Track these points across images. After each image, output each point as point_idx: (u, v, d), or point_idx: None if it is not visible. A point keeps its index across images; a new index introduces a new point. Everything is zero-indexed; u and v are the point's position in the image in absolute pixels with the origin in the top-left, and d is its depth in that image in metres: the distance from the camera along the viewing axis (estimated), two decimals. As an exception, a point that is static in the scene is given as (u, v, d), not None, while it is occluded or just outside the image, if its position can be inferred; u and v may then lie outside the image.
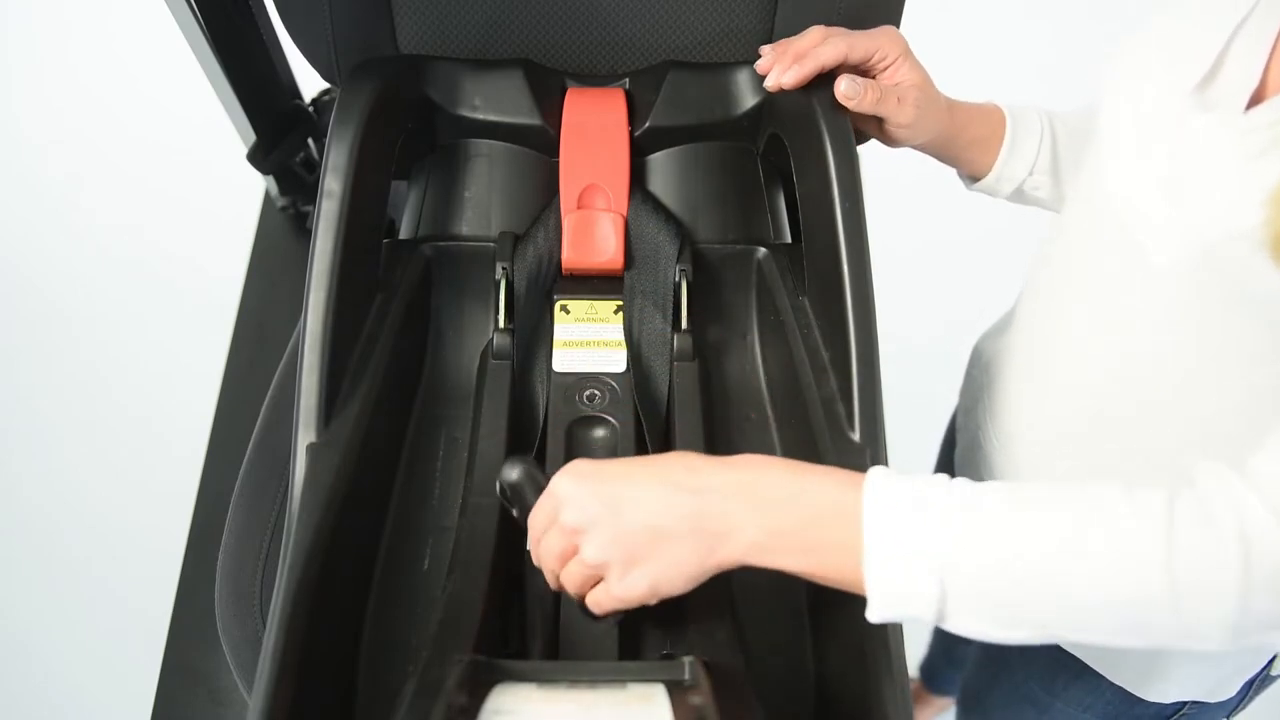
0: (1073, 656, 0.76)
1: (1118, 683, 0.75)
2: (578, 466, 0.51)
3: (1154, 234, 0.55)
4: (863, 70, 0.70)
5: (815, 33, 0.69)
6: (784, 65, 0.69)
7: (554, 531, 0.51)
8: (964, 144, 0.75)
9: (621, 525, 0.49)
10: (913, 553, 0.46)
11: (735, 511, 0.49)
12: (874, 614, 0.47)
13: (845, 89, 0.67)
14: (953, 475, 0.49)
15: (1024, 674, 0.85)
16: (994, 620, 0.47)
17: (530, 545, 0.54)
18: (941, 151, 0.76)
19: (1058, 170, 0.75)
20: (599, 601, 0.52)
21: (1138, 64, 0.60)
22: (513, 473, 0.53)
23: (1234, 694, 0.75)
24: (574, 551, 0.51)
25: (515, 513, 0.55)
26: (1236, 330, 0.54)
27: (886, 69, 0.69)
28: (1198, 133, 0.54)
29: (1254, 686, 0.75)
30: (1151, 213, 0.56)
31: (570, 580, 0.52)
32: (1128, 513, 0.45)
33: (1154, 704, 0.75)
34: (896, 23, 0.74)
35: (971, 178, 0.78)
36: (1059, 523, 0.46)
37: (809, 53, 0.68)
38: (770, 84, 0.69)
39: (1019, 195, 0.77)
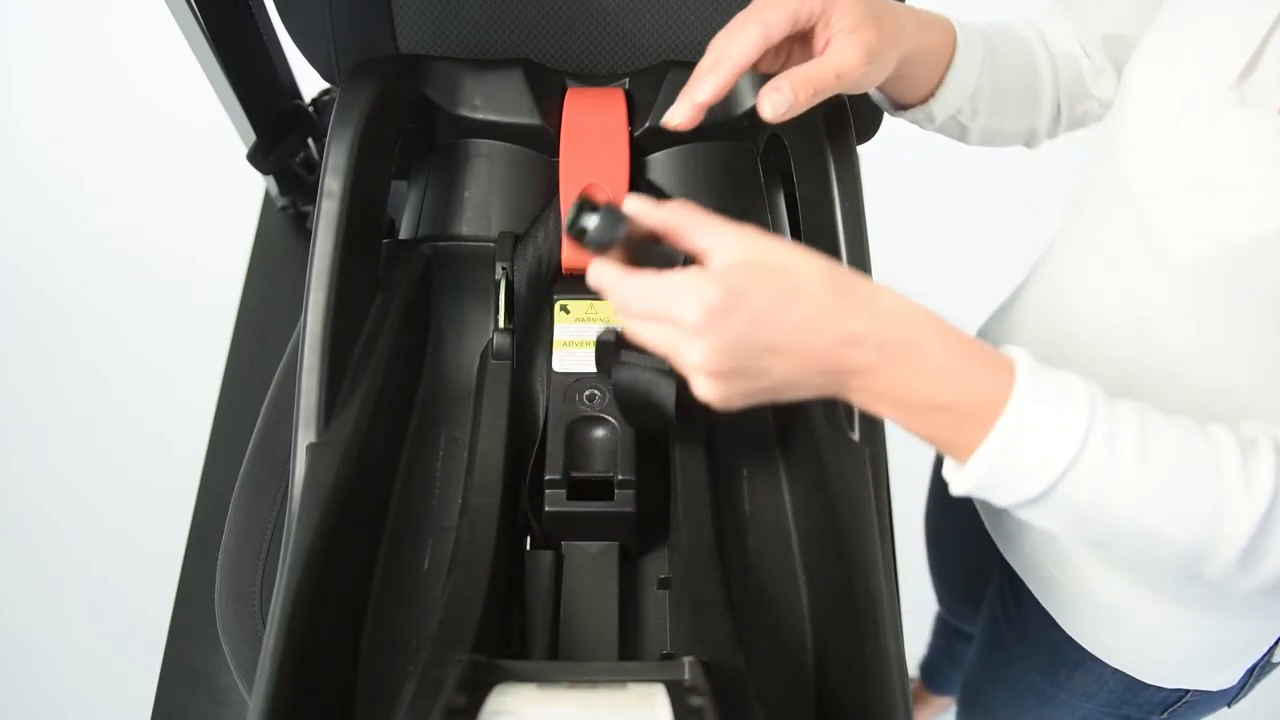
0: (1075, 646, 0.76)
1: (1120, 669, 0.74)
2: (711, 296, 0.45)
3: (1176, 228, 0.54)
4: (804, 40, 0.60)
5: (718, 38, 0.58)
6: (698, 85, 0.58)
7: (666, 344, 0.47)
8: (918, 62, 0.64)
9: (758, 384, 0.47)
10: (1033, 463, 0.46)
11: (875, 372, 0.47)
12: (959, 489, 0.49)
13: (770, 112, 0.56)
14: None
15: (1024, 665, 0.85)
16: (1061, 526, 0.49)
17: (615, 304, 0.49)
18: (896, 70, 0.63)
19: (995, 98, 0.68)
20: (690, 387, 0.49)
21: (1169, 52, 0.57)
22: (606, 234, 0.48)
23: (1235, 682, 0.75)
24: (678, 354, 0.47)
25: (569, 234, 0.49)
26: (1238, 326, 0.54)
27: (817, 25, 0.58)
28: (1230, 129, 0.52)
29: (1255, 674, 0.75)
30: (1175, 206, 0.54)
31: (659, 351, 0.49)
32: (1240, 486, 0.46)
33: (1156, 691, 0.75)
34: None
35: (900, 104, 0.68)
36: (1174, 484, 0.47)
37: (719, 59, 0.57)
38: (679, 119, 0.58)
39: (950, 124, 0.68)
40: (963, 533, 1.04)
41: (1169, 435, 0.48)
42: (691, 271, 0.47)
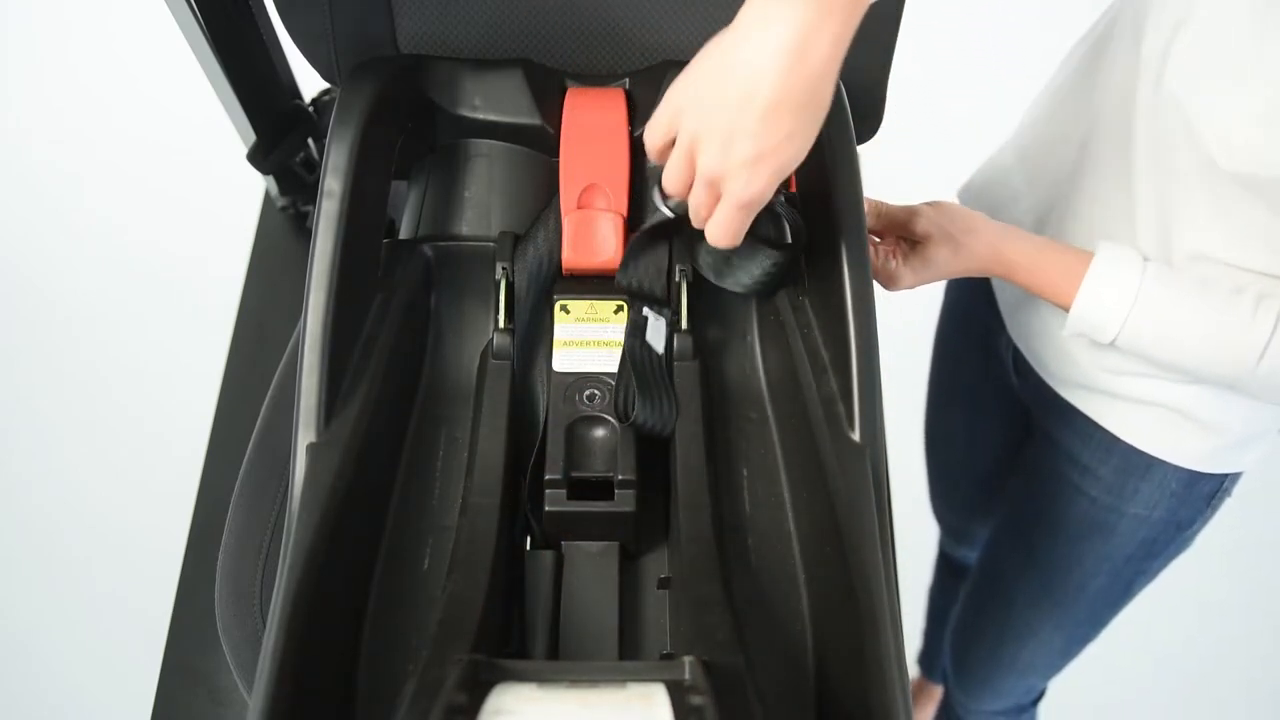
0: (1140, 455, 0.85)
1: (1183, 465, 0.85)
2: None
3: (1230, 151, 0.64)
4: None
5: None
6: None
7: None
8: None
9: None
10: (1112, 309, 0.71)
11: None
12: (1071, 329, 0.75)
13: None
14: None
15: (1089, 501, 0.91)
16: (1133, 350, 0.73)
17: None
18: None
19: None
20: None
21: None
22: None
23: (1254, 459, 0.86)
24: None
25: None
26: (1261, 218, 0.66)
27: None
28: None
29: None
30: (1233, 133, 0.63)
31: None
32: (1249, 322, 0.68)
33: (1208, 481, 0.86)
34: (895, 22, 0.74)
35: None
36: (1210, 320, 0.69)
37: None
38: None
39: None
40: (981, 418, 1.10)
41: (1199, 287, 0.70)
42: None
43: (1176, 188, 0.71)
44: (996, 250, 0.75)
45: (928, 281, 0.78)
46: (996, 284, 0.96)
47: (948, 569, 1.40)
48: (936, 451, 1.23)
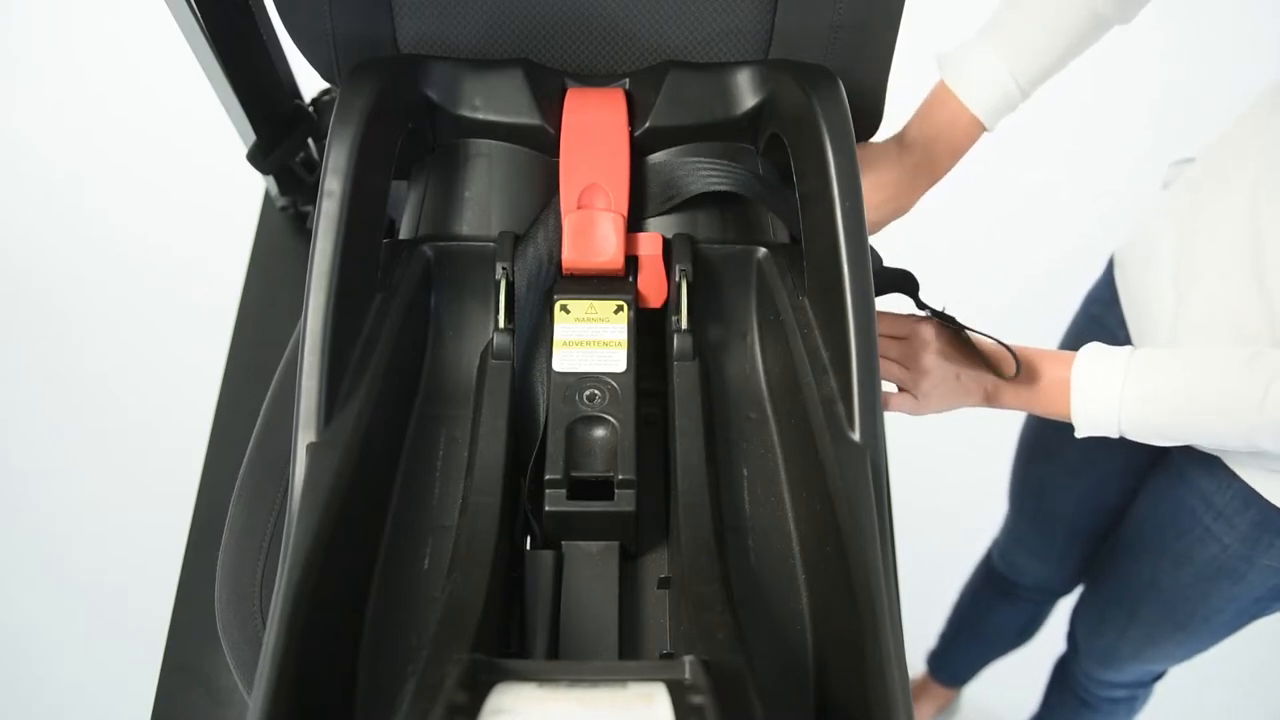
0: (1278, 511, 0.85)
1: None
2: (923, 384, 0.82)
3: None
4: None
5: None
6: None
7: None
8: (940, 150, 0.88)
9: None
10: (1104, 404, 0.75)
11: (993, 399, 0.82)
12: (1080, 434, 0.78)
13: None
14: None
15: (1219, 546, 0.91)
16: (1158, 440, 0.76)
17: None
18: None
19: (1035, 67, 0.84)
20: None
21: None
22: None
23: None
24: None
25: None
26: None
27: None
28: None
29: None
30: None
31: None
32: (1239, 378, 0.70)
33: None
34: (895, 22, 0.74)
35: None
36: (1205, 389, 0.71)
37: None
38: None
39: (1022, 96, 0.86)
40: (1106, 444, 1.09)
41: (1186, 365, 0.73)
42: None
43: None
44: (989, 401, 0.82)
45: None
46: (1129, 318, 0.97)
47: (991, 585, 1.36)
48: (1037, 466, 1.17)
